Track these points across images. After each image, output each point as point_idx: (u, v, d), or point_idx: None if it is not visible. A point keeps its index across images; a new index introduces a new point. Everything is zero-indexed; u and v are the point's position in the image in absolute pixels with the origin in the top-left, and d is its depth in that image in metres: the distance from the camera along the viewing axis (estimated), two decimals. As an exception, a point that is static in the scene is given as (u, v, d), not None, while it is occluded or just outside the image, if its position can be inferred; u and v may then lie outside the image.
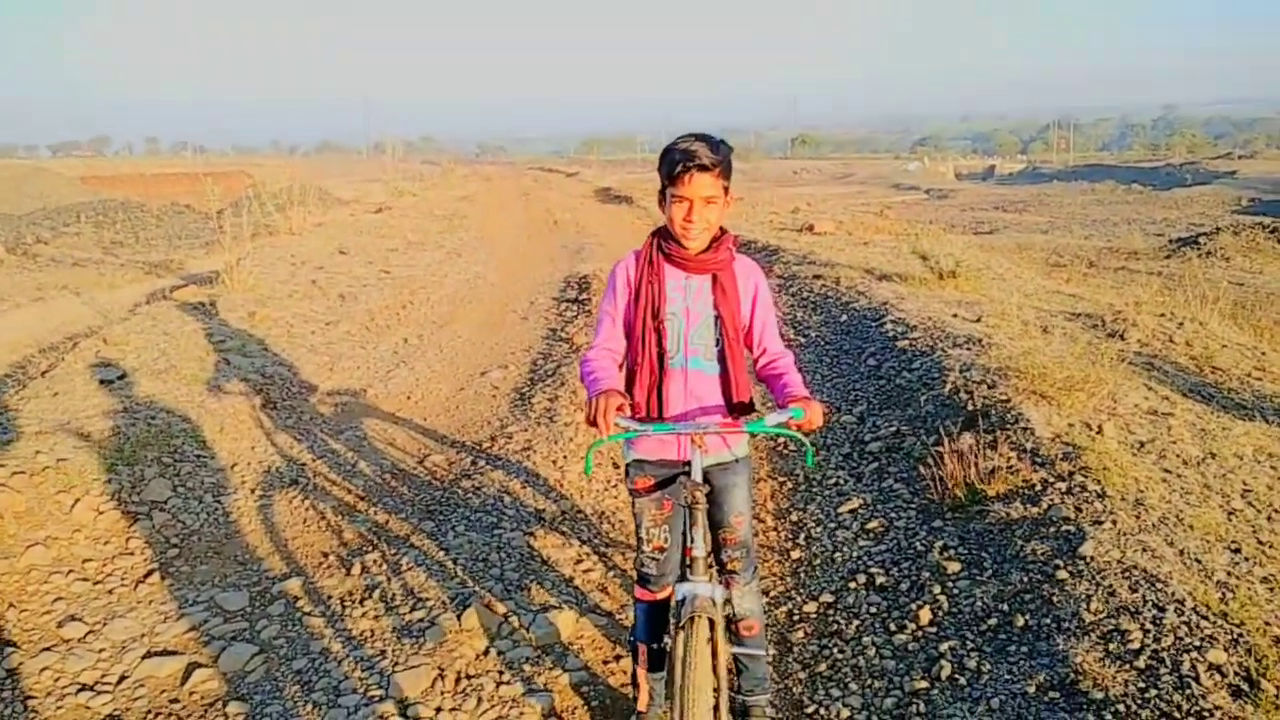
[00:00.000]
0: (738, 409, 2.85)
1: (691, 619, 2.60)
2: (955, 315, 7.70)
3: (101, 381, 6.53)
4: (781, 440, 5.77)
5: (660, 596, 3.00)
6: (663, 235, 2.79)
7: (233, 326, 8.53)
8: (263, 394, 6.87)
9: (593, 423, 2.53)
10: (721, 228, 2.79)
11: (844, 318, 8.34)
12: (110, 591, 4.23)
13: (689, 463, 2.73)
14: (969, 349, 6.29)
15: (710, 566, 2.86)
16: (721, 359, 2.82)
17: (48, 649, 3.77)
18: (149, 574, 4.40)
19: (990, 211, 30.53)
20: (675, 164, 2.60)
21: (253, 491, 5.33)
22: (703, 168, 2.58)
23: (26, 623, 3.96)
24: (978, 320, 7.45)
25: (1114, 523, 3.83)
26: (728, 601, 3.05)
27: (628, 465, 2.98)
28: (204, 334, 8.07)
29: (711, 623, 2.68)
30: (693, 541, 2.69)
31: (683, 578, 2.76)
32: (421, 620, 3.89)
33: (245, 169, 47.80)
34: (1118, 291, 11.29)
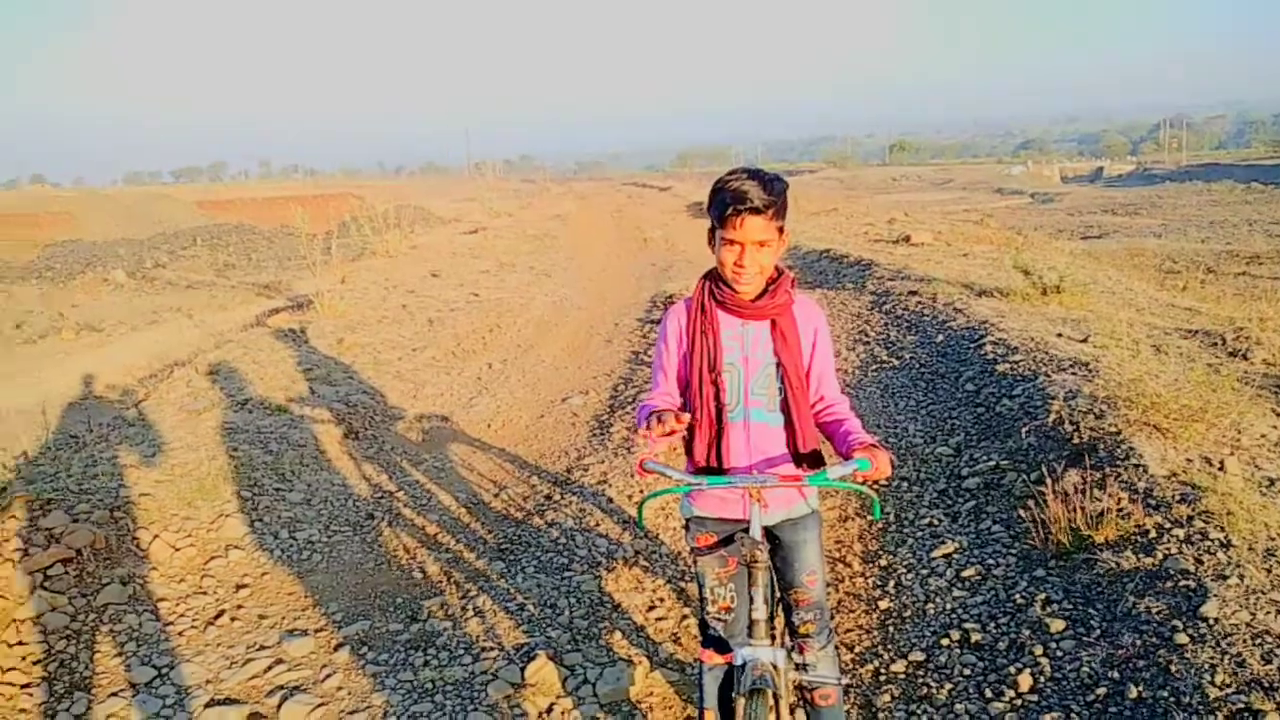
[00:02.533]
0: (805, 460, 2.63)
1: (753, 692, 2.40)
2: (1060, 335, 7.23)
3: (189, 412, 6.63)
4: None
5: (729, 660, 2.78)
6: (714, 279, 2.59)
7: (320, 354, 8.61)
8: (345, 424, 6.88)
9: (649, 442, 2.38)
10: (779, 268, 2.57)
11: (940, 338, 7.93)
12: (180, 633, 4.20)
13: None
14: (1075, 374, 5.86)
15: (774, 629, 2.65)
16: (785, 409, 2.59)
17: (115, 694, 3.74)
18: (219, 615, 4.36)
19: (1099, 215, 29.22)
20: (725, 205, 2.40)
21: (327, 527, 5.28)
22: (755, 210, 2.37)
23: (99, 665, 3.95)
24: (1084, 340, 6.98)
25: (1241, 578, 3.43)
26: (802, 667, 2.82)
27: (688, 521, 2.77)
28: (292, 362, 8.16)
29: (776, 696, 2.47)
30: (753, 603, 2.50)
31: (744, 641, 2.56)
32: (485, 673, 3.74)
33: (353, 190, 49.32)
34: (1239, 301, 10.55)
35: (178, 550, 4.82)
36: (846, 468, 2.40)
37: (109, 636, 4.12)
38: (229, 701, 3.68)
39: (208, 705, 3.66)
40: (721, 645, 2.75)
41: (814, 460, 2.63)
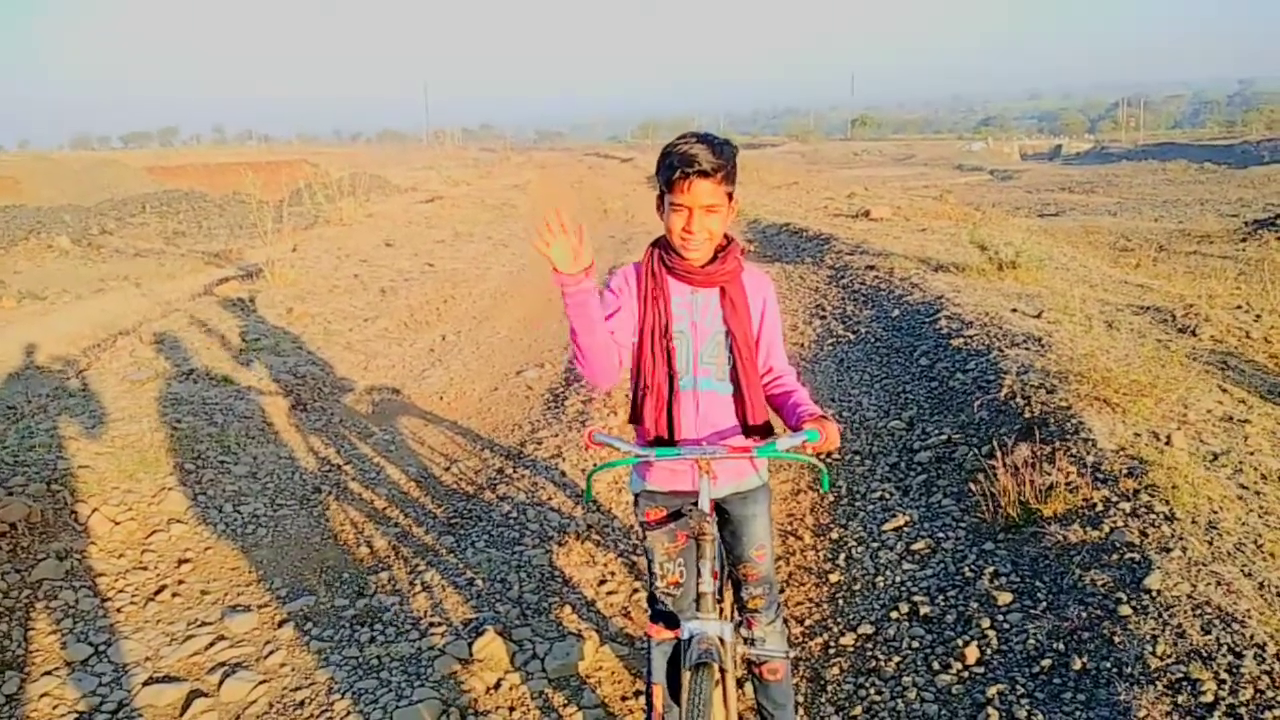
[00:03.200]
0: (754, 432, 2.59)
1: (698, 665, 2.37)
2: (1014, 310, 7.28)
3: (133, 382, 6.46)
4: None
5: (678, 635, 2.75)
6: (664, 246, 2.53)
7: (269, 324, 8.45)
8: (293, 395, 6.75)
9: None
10: (727, 235, 2.51)
11: (896, 312, 7.96)
12: (119, 609, 4.09)
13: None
14: (1028, 348, 5.90)
15: (720, 602, 2.61)
16: (734, 378, 2.55)
17: (49, 672, 3.63)
18: (160, 591, 4.26)
19: (1056, 193, 29.53)
20: (673, 169, 2.33)
21: (273, 501, 5.18)
22: (703, 174, 2.31)
23: (33, 642, 3.84)
24: (1038, 316, 7.03)
25: (1184, 550, 3.47)
26: (750, 641, 2.79)
27: (637, 496, 2.72)
28: (240, 332, 7.99)
29: (722, 670, 2.44)
30: (700, 576, 2.45)
31: (692, 614, 2.52)
32: (432, 649, 3.69)
33: (307, 157, 48.29)
34: (1190, 279, 10.70)
35: (118, 524, 4.70)
36: (795, 439, 2.36)
37: (44, 613, 4.00)
38: (169, 679, 3.60)
39: (146, 683, 3.57)
40: (670, 620, 2.72)
41: (764, 432, 2.59)
